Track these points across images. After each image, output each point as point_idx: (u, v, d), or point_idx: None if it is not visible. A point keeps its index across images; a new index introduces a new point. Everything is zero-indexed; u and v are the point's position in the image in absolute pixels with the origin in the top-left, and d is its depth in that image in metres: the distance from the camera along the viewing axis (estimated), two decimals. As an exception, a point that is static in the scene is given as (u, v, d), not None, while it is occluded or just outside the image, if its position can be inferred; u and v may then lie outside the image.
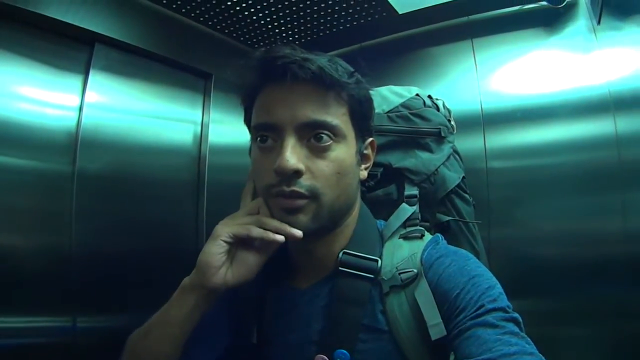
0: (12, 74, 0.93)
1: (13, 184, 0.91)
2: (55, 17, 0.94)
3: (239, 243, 0.56)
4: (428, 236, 0.64)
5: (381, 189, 0.77)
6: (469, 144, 1.26)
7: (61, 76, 1.01)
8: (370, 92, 0.63)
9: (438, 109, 0.83)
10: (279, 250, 0.58)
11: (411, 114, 0.79)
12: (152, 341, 0.57)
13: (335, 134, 0.55)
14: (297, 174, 0.53)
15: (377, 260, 0.59)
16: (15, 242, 0.90)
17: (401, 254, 0.61)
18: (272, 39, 1.39)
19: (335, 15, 1.27)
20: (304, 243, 0.56)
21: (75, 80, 1.04)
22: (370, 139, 0.64)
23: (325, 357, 0.55)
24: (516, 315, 0.50)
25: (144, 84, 1.19)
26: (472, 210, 0.83)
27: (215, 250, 0.54)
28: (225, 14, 1.23)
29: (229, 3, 1.17)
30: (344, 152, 0.57)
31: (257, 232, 0.54)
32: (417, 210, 0.71)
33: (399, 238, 0.64)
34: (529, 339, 0.47)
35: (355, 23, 1.33)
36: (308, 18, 1.27)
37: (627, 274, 1.05)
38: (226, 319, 0.65)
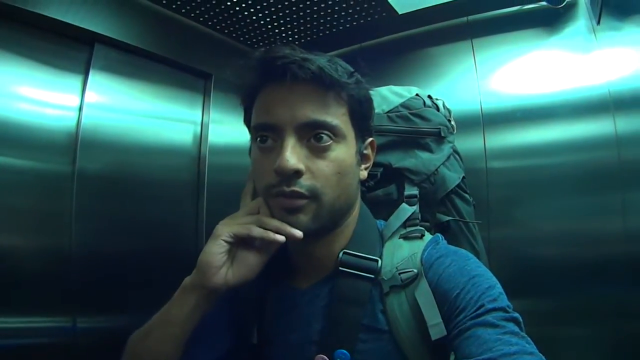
0: (12, 74, 0.93)
1: (13, 184, 0.91)
2: (55, 17, 0.94)
3: (240, 243, 0.56)
4: (428, 236, 0.64)
5: (381, 189, 0.77)
6: (469, 144, 1.26)
7: (61, 76, 1.01)
8: (370, 92, 0.62)
9: (438, 109, 0.83)
10: (279, 250, 0.58)
11: (411, 114, 0.79)
12: (152, 341, 0.57)
13: (335, 134, 0.55)
14: (297, 174, 0.53)
15: (377, 260, 0.59)
16: (15, 243, 0.90)
17: (401, 254, 0.61)
18: (272, 39, 1.39)
19: (335, 16, 1.27)
20: (304, 243, 0.56)
21: (75, 81, 1.04)
22: (370, 139, 0.64)
23: (326, 357, 0.55)
24: (516, 315, 0.50)
25: (144, 84, 1.19)
26: (472, 210, 0.83)
27: (215, 250, 0.54)
28: (225, 14, 1.23)
29: (228, 3, 1.17)
30: (344, 152, 0.57)
31: (257, 231, 0.54)
32: (417, 210, 0.71)
33: (399, 238, 0.64)
34: (529, 339, 0.47)
35: (355, 23, 1.33)
36: (308, 18, 1.27)
37: (627, 273, 1.05)
38: (227, 318, 0.65)
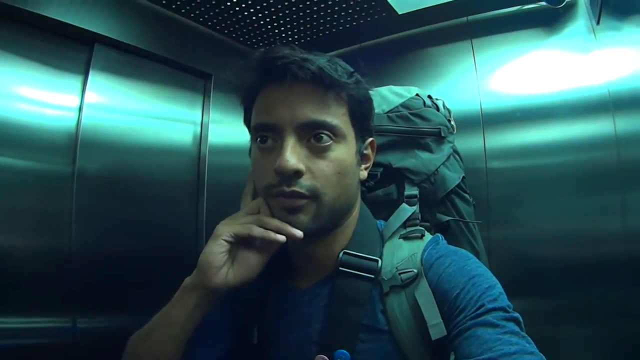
0: (12, 74, 0.93)
1: (13, 185, 0.91)
2: (54, 17, 0.94)
3: (240, 243, 0.56)
4: (428, 236, 0.64)
5: (381, 189, 0.77)
6: (469, 144, 1.26)
7: (61, 77, 1.01)
8: (370, 92, 0.63)
9: (438, 109, 0.83)
10: (280, 250, 0.58)
11: (411, 114, 0.79)
12: (153, 342, 0.57)
13: (335, 134, 0.55)
14: (298, 174, 0.53)
15: (377, 261, 0.59)
16: (15, 243, 0.90)
17: (401, 254, 0.61)
18: (272, 39, 1.39)
19: (335, 16, 1.27)
20: (304, 243, 0.56)
21: (75, 81, 1.04)
22: (370, 139, 0.64)
23: (326, 357, 0.55)
24: (516, 314, 0.50)
25: (144, 84, 1.19)
26: (472, 210, 0.83)
27: (216, 249, 0.54)
28: (225, 14, 1.23)
29: (228, 3, 1.17)
30: (344, 152, 0.57)
31: (258, 231, 0.54)
32: (417, 210, 0.71)
33: (399, 238, 0.64)
34: (529, 339, 0.47)
35: (354, 23, 1.33)
36: (308, 18, 1.27)
37: (627, 273, 1.05)
38: (227, 319, 0.65)
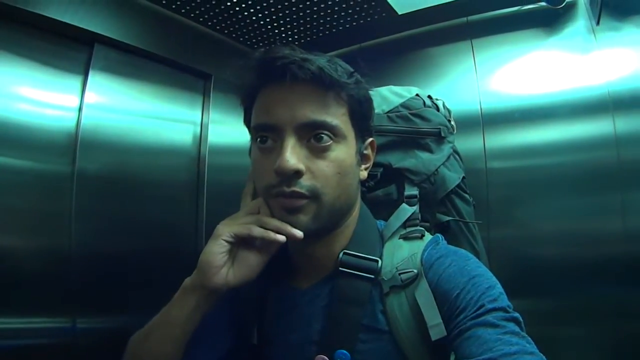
0: (12, 74, 0.92)
1: (13, 185, 0.90)
2: (54, 17, 0.94)
3: (240, 243, 0.56)
4: (428, 236, 0.64)
5: (381, 189, 0.77)
6: (469, 144, 1.26)
7: (60, 77, 1.01)
8: (370, 92, 0.63)
9: (438, 109, 0.83)
10: (280, 251, 0.58)
11: (411, 114, 0.79)
12: (153, 342, 0.57)
13: (335, 134, 0.55)
14: (298, 174, 0.53)
15: (377, 261, 0.59)
16: (14, 243, 0.90)
17: (401, 254, 0.61)
18: (272, 40, 1.39)
19: (335, 16, 1.27)
20: (304, 243, 0.56)
21: (75, 81, 1.04)
22: (370, 139, 0.64)
23: (326, 357, 0.55)
24: (517, 315, 0.50)
25: (144, 84, 1.19)
26: (472, 210, 0.83)
27: (216, 249, 0.54)
28: (225, 15, 1.23)
29: (228, 3, 1.17)
30: (344, 152, 0.57)
31: (258, 231, 0.54)
32: (417, 211, 0.71)
33: (399, 238, 0.64)
34: (529, 339, 0.47)
35: (354, 23, 1.33)
36: (308, 18, 1.27)
37: (627, 273, 1.05)
38: (227, 319, 0.65)
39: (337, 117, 0.56)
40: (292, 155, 0.52)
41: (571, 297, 1.11)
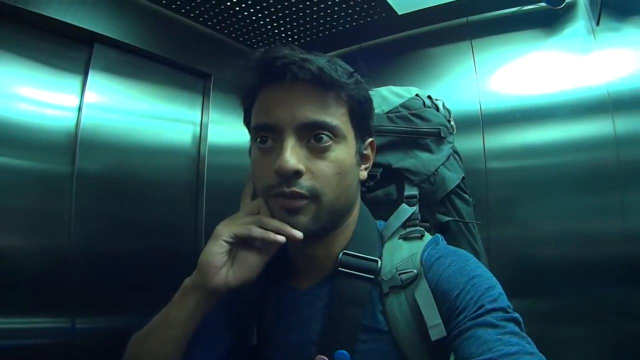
0: (11, 74, 0.92)
1: (12, 185, 0.90)
2: (54, 17, 0.94)
3: (240, 244, 0.56)
4: (428, 236, 0.64)
5: (381, 190, 0.77)
6: (468, 144, 1.26)
7: (60, 76, 1.01)
8: (370, 92, 0.63)
9: (438, 109, 0.83)
10: (279, 251, 0.58)
11: (411, 114, 0.79)
12: (153, 343, 0.57)
13: (335, 134, 0.55)
14: (297, 174, 0.53)
15: (377, 261, 0.59)
16: (14, 243, 0.90)
17: (401, 254, 0.61)
18: (272, 40, 1.39)
19: (335, 16, 1.27)
20: (304, 244, 0.56)
21: (75, 81, 1.04)
22: (370, 139, 0.64)
23: (325, 358, 0.55)
24: (516, 315, 0.50)
25: (143, 84, 1.19)
26: (472, 210, 0.83)
27: (216, 250, 0.54)
28: (225, 14, 1.23)
29: (228, 3, 1.17)
30: (343, 152, 0.57)
31: (257, 232, 0.54)
32: (417, 211, 0.71)
33: (399, 238, 0.64)
34: (529, 339, 0.47)
35: (354, 24, 1.33)
36: (307, 18, 1.27)
37: (626, 273, 1.05)
38: (227, 319, 0.65)
39: (337, 117, 0.56)
40: (292, 156, 0.52)
41: (571, 297, 1.12)
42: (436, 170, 0.76)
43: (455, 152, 0.83)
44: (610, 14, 1.14)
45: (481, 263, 0.59)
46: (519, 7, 1.28)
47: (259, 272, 0.57)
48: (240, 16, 1.23)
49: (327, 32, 1.37)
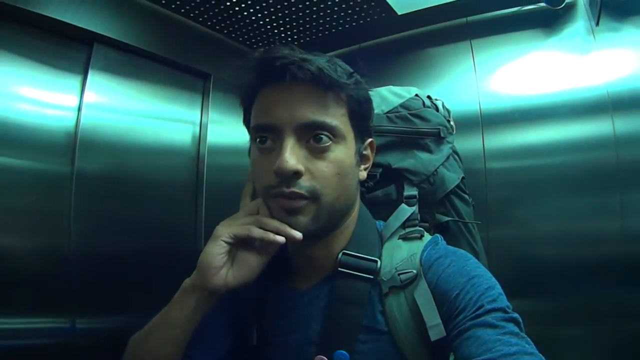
0: (11, 74, 0.92)
1: (12, 184, 0.90)
2: (53, 16, 0.94)
3: (240, 244, 0.56)
4: (427, 237, 0.64)
5: (380, 190, 0.77)
6: (468, 144, 1.26)
7: (60, 76, 1.01)
8: (370, 92, 0.63)
9: (437, 109, 0.83)
10: (279, 251, 0.58)
11: (410, 114, 0.79)
12: (153, 343, 0.57)
13: (335, 134, 0.55)
14: (297, 174, 0.53)
15: (376, 261, 0.59)
16: (13, 243, 0.90)
17: (400, 254, 0.61)
18: (271, 40, 1.39)
19: (335, 16, 1.27)
20: (303, 244, 0.56)
21: (74, 81, 1.04)
22: (370, 139, 0.64)
23: (325, 358, 0.55)
24: (516, 315, 0.50)
25: (143, 84, 1.19)
26: (472, 210, 0.83)
27: (216, 250, 0.54)
28: (225, 14, 1.23)
29: (228, 3, 1.17)
30: (343, 152, 0.57)
31: (257, 232, 0.54)
32: (417, 211, 0.71)
33: (398, 239, 0.64)
34: (529, 339, 0.47)
35: (354, 24, 1.33)
36: (307, 19, 1.27)
37: (625, 273, 1.05)
38: (227, 320, 0.65)
39: (336, 117, 0.56)
40: (292, 156, 0.52)
41: (570, 297, 1.12)
42: (436, 170, 0.76)
43: (455, 152, 0.83)
44: (610, 14, 1.14)
45: (480, 263, 0.59)
46: (518, 7, 1.28)
47: (258, 272, 0.57)
48: (240, 16, 1.23)
49: (326, 32, 1.37)
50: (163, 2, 1.15)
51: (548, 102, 1.20)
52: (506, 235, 1.21)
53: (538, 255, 1.17)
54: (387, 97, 0.82)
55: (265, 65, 0.55)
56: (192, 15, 1.23)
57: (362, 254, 0.60)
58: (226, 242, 0.55)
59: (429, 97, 0.85)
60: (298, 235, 0.54)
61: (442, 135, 0.79)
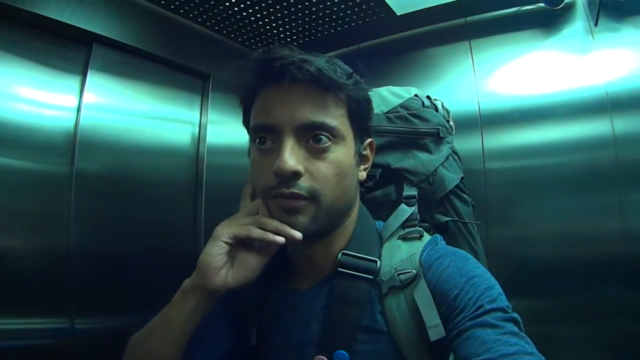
0: (10, 74, 0.92)
1: (11, 185, 0.90)
2: (52, 17, 0.94)
3: (239, 244, 0.56)
4: (427, 237, 0.65)
5: (380, 190, 0.77)
6: (467, 144, 1.26)
7: (59, 77, 1.01)
8: (369, 92, 0.63)
9: (437, 109, 0.83)
10: (279, 252, 0.58)
11: (410, 114, 0.79)
12: (153, 343, 0.56)
13: (334, 135, 0.55)
14: (296, 175, 0.53)
15: (376, 261, 0.59)
16: (13, 243, 0.90)
17: (400, 254, 0.61)
18: (271, 40, 1.39)
19: (334, 17, 1.27)
20: (303, 244, 0.56)
21: (73, 81, 1.04)
22: (369, 139, 0.64)
23: (325, 358, 0.55)
24: (515, 315, 0.50)
25: (142, 84, 1.19)
26: (471, 210, 0.83)
27: (215, 251, 0.54)
28: (224, 15, 1.23)
29: (227, 4, 1.17)
30: (342, 153, 0.57)
31: (257, 232, 0.54)
32: (416, 211, 0.71)
33: (398, 239, 0.64)
34: (528, 339, 0.47)
35: (353, 24, 1.33)
36: (306, 19, 1.27)
37: (624, 273, 1.05)
38: (226, 320, 0.65)
39: (335, 118, 0.56)
40: (291, 157, 0.52)
41: (569, 297, 1.12)
42: (435, 170, 0.76)
43: (454, 152, 0.83)
44: (609, 14, 1.14)
45: (480, 263, 0.59)
46: (517, 8, 1.28)
47: (258, 272, 0.57)
48: (239, 16, 1.23)
49: (326, 33, 1.37)
50: (162, 2, 1.15)
51: (547, 102, 1.20)
52: (505, 235, 1.21)
53: (537, 255, 1.18)
54: (386, 97, 0.82)
55: (265, 65, 0.55)
56: (191, 15, 1.23)
57: (361, 254, 0.60)
58: (226, 243, 0.55)
59: (428, 97, 0.85)
60: (298, 235, 0.54)
61: (441, 135, 0.79)
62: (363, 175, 0.64)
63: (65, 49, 1.02)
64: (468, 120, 1.29)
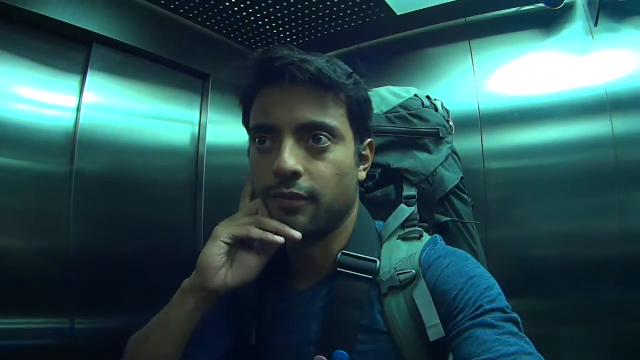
0: (10, 74, 0.92)
1: (11, 185, 0.90)
2: (53, 17, 0.94)
3: (239, 244, 0.56)
4: (427, 237, 0.65)
5: (380, 190, 0.77)
6: (467, 144, 1.26)
7: (59, 77, 1.01)
8: (369, 92, 0.63)
9: (436, 109, 0.83)
10: (278, 252, 0.58)
11: (409, 114, 0.79)
12: (152, 343, 0.57)
13: (334, 135, 0.55)
14: (296, 175, 0.53)
15: (375, 261, 0.59)
16: (13, 243, 0.90)
17: (399, 255, 0.61)
18: (271, 40, 1.39)
19: (334, 17, 1.27)
20: (303, 244, 0.56)
21: (73, 81, 1.04)
22: (369, 139, 0.64)
23: (324, 358, 0.55)
24: (515, 315, 0.50)
25: (142, 84, 1.19)
26: (471, 210, 0.83)
27: (215, 251, 0.54)
28: (224, 15, 1.23)
29: (227, 4, 1.17)
30: (342, 153, 0.57)
31: (256, 232, 0.54)
32: (416, 211, 0.71)
33: (398, 239, 0.64)
34: (528, 339, 0.47)
35: (353, 24, 1.33)
36: (306, 19, 1.27)
37: (624, 273, 1.05)
38: (226, 320, 0.65)
39: (335, 118, 0.56)
40: (291, 157, 0.52)
41: (569, 297, 1.12)
42: (435, 170, 0.76)
43: (454, 152, 0.84)
44: (609, 14, 1.14)
45: (480, 263, 0.59)
46: (517, 8, 1.28)
47: (258, 272, 0.57)
48: (239, 16, 1.23)
49: (326, 33, 1.37)
50: (162, 2, 1.15)
51: (547, 103, 1.20)
52: (505, 235, 1.21)
53: (537, 255, 1.18)
54: (386, 97, 0.82)
55: (265, 65, 0.55)
56: (191, 15, 1.23)
57: (361, 254, 0.60)
58: (225, 243, 0.55)
59: (428, 97, 0.85)
60: (297, 235, 0.54)
61: (441, 135, 0.79)
62: (363, 175, 0.64)
63: (66, 48, 1.02)
64: (468, 120, 1.29)
